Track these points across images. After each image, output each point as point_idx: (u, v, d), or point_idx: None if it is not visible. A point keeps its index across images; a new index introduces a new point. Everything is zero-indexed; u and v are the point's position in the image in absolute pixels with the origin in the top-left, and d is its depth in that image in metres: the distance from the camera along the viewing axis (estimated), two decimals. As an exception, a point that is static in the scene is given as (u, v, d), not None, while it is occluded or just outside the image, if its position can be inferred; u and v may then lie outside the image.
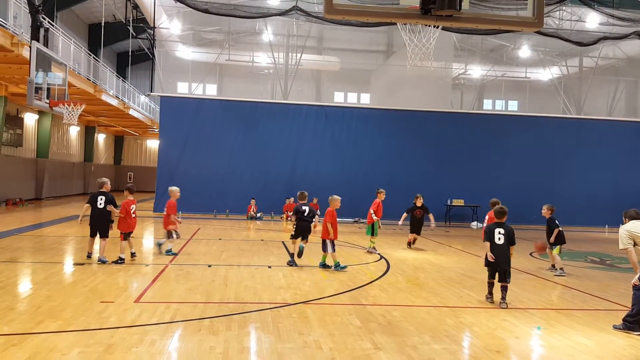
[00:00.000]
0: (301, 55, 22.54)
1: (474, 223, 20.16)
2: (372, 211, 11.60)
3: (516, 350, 5.43)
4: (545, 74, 25.05)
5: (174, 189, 10.53)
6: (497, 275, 7.36)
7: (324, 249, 9.41)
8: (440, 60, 21.13)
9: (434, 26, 6.83)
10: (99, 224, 9.21)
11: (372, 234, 11.72)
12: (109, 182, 9.52)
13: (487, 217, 10.66)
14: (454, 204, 21.03)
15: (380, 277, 9.05)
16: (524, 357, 5.34)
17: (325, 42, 24.50)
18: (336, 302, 7.16)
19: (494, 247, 7.38)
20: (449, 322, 6.34)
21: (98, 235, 9.23)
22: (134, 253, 9.72)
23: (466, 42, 23.19)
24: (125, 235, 9.37)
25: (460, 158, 21.35)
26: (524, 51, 24.88)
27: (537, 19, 6.38)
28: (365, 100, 25.21)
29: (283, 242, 12.66)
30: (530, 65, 25.34)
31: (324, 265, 9.52)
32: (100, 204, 9.15)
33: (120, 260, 9.09)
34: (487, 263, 7.43)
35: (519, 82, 25.61)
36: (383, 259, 10.93)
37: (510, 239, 7.36)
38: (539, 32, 19.34)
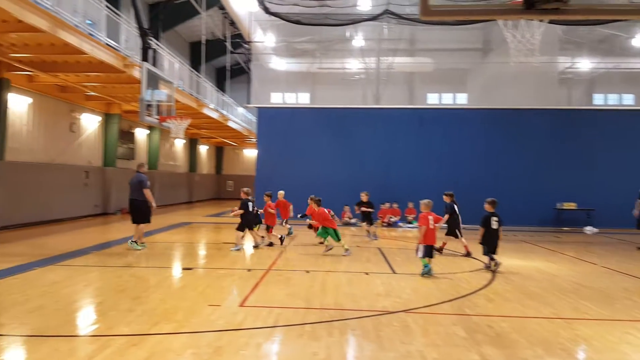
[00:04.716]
0: (393, 58, 22.30)
1: (588, 228, 18.67)
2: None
3: (645, 369, 4.91)
4: (666, 63, 22.68)
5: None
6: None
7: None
8: (543, 55, 19.85)
9: (539, 20, 6.43)
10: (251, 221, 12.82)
11: None
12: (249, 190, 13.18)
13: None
14: (564, 207, 19.61)
15: (486, 286, 8.63)
16: (655, 377, 4.80)
17: (418, 43, 24.04)
18: (438, 311, 6.93)
19: (491, 231, 9.69)
20: (563, 334, 5.88)
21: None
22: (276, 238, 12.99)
23: (572, 34, 21.61)
24: (268, 227, 13.05)
25: (569, 158, 19.89)
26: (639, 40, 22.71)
27: (657, 3, 5.78)
28: (462, 100, 24.37)
29: (379, 248, 12.53)
30: (647, 55, 23.07)
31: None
32: (251, 207, 12.51)
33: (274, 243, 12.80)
34: (484, 242, 9.77)
35: (635, 74, 23.41)
36: (487, 267, 10.42)
37: (500, 223, 9.82)
38: (656, 18, 17.57)
